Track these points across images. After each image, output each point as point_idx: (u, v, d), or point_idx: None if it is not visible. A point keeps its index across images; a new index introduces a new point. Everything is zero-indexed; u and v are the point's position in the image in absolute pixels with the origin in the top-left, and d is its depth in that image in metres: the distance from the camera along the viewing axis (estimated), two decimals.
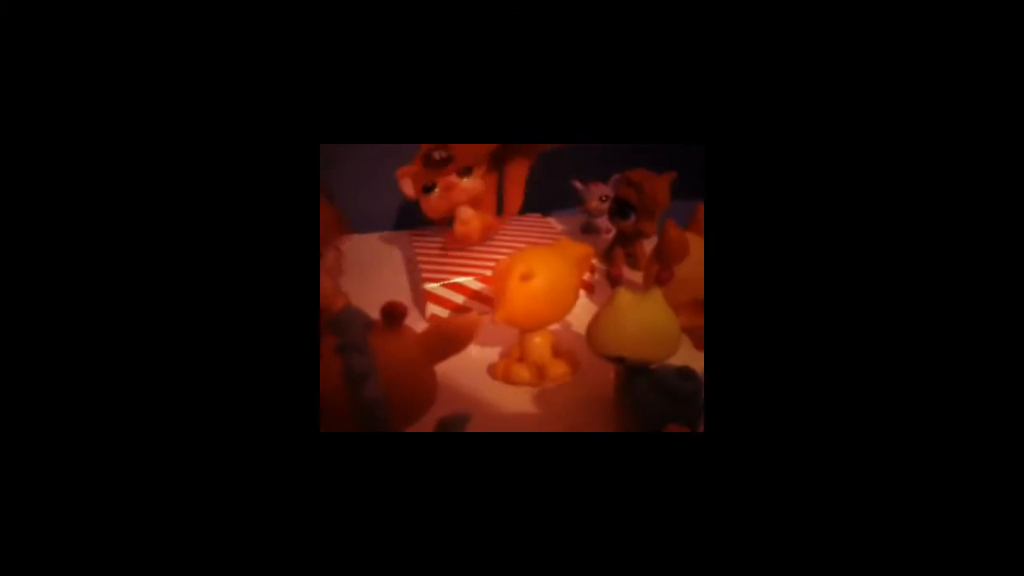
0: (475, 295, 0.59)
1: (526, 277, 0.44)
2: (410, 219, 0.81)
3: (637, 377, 0.40)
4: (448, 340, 0.32)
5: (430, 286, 0.58)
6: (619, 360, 0.41)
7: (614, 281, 0.43)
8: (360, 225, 0.77)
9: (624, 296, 0.41)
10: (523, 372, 0.47)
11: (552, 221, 0.78)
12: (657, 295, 0.41)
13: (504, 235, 0.68)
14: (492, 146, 0.61)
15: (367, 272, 0.68)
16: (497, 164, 0.67)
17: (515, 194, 0.68)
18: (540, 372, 0.47)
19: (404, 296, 0.64)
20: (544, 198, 0.79)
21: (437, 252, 0.65)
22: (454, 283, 0.58)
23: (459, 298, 0.59)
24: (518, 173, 0.68)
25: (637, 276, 0.63)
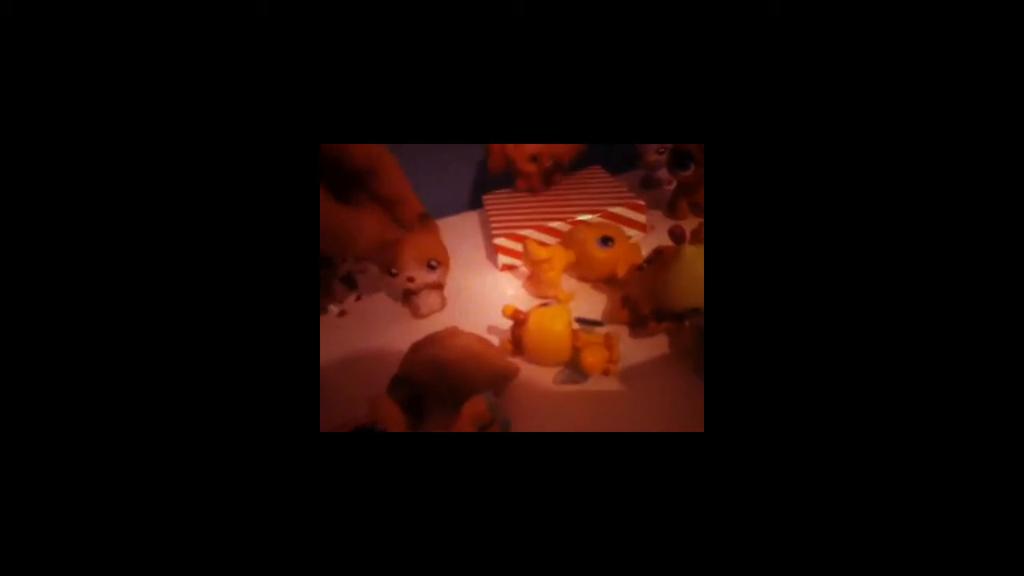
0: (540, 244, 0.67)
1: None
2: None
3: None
4: None
5: (498, 240, 0.64)
6: (695, 311, 0.44)
7: (677, 238, 0.44)
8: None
9: (690, 248, 0.45)
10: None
11: (608, 175, 0.79)
12: None
13: (565, 187, 0.76)
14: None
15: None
16: None
17: None
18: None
19: (480, 253, 0.72)
20: (598, 160, 0.84)
21: (506, 208, 0.72)
22: (519, 235, 0.64)
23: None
24: None
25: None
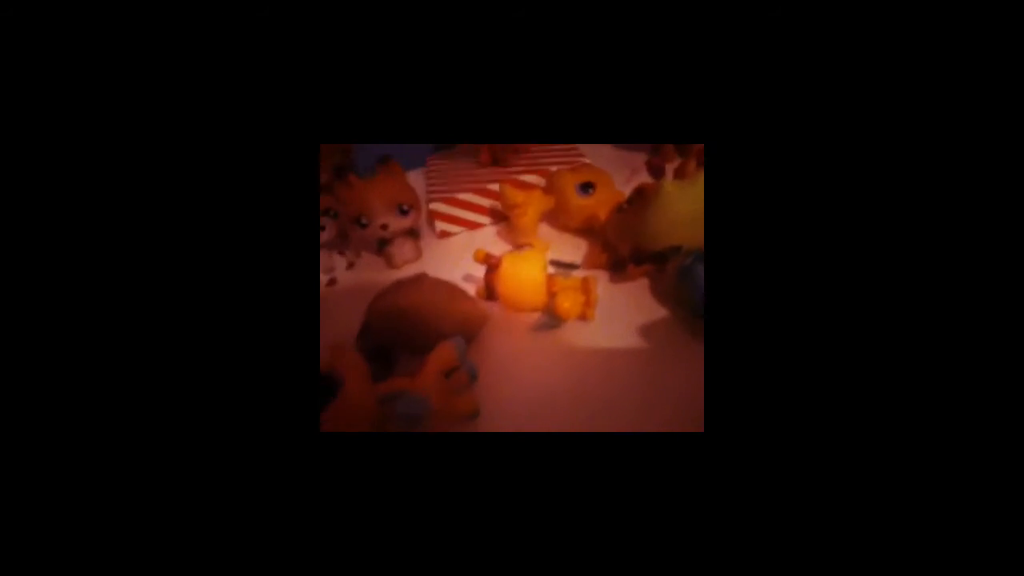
0: (476, 208, 0.61)
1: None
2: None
3: (695, 264, 0.40)
4: None
5: (434, 206, 0.60)
6: (674, 250, 0.42)
7: (656, 171, 0.42)
8: None
9: (670, 184, 0.42)
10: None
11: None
12: (700, 180, 0.42)
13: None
14: None
15: None
16: None
17: None
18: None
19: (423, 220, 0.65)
20: None
21: (447, 170, 0.66)
22: (455, 198, 0.60)
23: (464, 213, 0.61)
24: None
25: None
